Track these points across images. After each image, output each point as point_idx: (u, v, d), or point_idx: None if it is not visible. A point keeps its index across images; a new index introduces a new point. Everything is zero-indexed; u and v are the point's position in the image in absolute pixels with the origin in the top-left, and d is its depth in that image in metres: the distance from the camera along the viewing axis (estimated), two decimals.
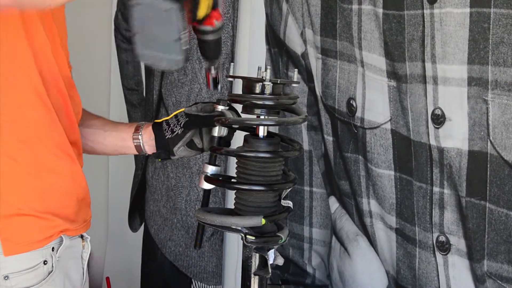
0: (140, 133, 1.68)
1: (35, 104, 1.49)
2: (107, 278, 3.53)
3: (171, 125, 1.63)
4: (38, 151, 1.49)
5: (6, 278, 1.51)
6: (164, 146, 1.64)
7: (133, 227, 3.34)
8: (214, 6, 1.40)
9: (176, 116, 1.64)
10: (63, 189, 1.57)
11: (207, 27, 1.44)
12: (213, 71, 1.56)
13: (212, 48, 1.50)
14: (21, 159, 1.48)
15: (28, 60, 1.47)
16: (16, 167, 1.47)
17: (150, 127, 1.67)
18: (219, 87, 1.57)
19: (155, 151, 1.66)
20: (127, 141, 1.70)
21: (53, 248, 1.56)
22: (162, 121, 1.66)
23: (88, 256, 1.70)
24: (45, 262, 1.54)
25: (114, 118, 3.41)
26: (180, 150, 1.63)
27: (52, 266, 1.56)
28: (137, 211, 3.29)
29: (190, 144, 1.62)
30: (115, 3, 3.42)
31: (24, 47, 1.46)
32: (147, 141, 1.68)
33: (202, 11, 1.36)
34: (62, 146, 1.56)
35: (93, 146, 1.73)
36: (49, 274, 1.55)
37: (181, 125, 1.62)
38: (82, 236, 1.68)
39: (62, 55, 1.59)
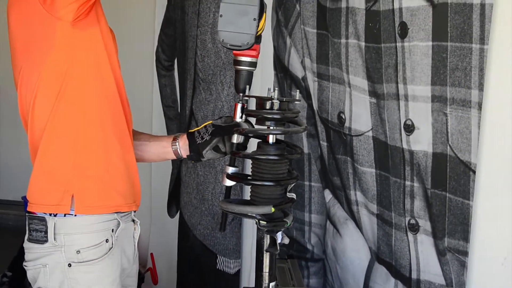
0: (177, 141, 1.70)
1: (112, 102, 1.59)
2: (151, 254, 3.53)
3: (201, 133, 1.65)
4: (107, 137, 1.57)
5: (78, 252, 1.54)
6: (196, 150, 1.65)
7: (171, 214, 3.34)
8: (259, 39, 1.40)
9: (205, 126, 1.66)
10: (121, 172, 1.61)
11: (242, 58, 1.45)
12: (240, 104, 1.54)
13: (243, 80, 1.49)
14: (102, 141, 1.57)
15: (108, 73, 1.58)
16: (95, 149, 1.56)
17: (185, 136, 1.69)
18: (243, 117, 1.54)
19: (188, 154, 1.69)
20: (167, 148, 1.72)
21: (112, 229, 1.59)
22: (195, 130, 1.68)
23: (138, 236, 1.73)
24: (107, 241, 1.58)
25: (156, 129, 3.46)
26: (208, 153, 1.65)
27: (112, 244, 1.59)
28: (174, 202, 3.30)
29: (216, 149, 1.64)
30: (156, 39, 3.44)
31: (106, 62, 1.57)
32: (183, 146, 1.69)
33: (260, 25, 1.37)
34: (124, 138, 1.62)
35: (141, 154, 1.75)
36: (109, 249, 1.59)
37: (209, 133, 1.63)
38: (133, 221, 1.71)
39: (121, 82, 1.63)
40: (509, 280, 1.37)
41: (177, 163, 3.20)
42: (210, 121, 1.67)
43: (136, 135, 1.78)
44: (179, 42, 3.15)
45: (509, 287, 1.37)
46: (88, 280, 1.57)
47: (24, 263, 1.60)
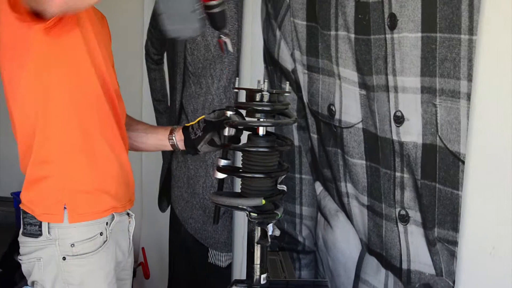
0: (173, 135, 1.72)
1: (96, 107, 1.56)
2: (143, 249, 3.53)
3: (195, 129, 1.67)
4: (95, 142, 1.54)
5: (72, 245, 1.55)
6: (190, 145, 1.68)
7: (162, 208, 3.34)
8: None
9: (198, 122, 1.68)
10: (114, 174, 1.61)
11: (212, 2, 1.43)
12: (224, 38, 1.55)
13: (219, 19, 1.48)
14: (89, 148, 1.54)
15: (91, 76, 1.53)
16: (83, 155, 1.54)
17: (181, 130, 1.71)
18: (230, 49, 1.57)
19: (184, 149, 1.71)
20: (164, 141, 1.74)
21: (107, 223, 1.60)
22: (189, 125, 1.69)
23: (133, 229, 1.74)
24: (101, 234, 1.58)
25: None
26: (203, 147, 1.66)
27: (106, 237, 1.60)
28: (165, 196, 3.30)
29: (211, 142, 1.65)
30: (145, 33, 3.43)
31: (89, 66, 1.52)
32: (179, 140, 1.72)
33: None
34: (113, 140, 1.60)
35: (137, 145, 1.78)
36: (104, 243, 1.59)
37: (201, 129, 1.65)
38: (128, 214, 1.71)
39: (112, 73, 1.63)
40: (497, 269, 1.38)
41: (168, 157, 3.20)
42: (203, 116, 1.68)
43: (133, 125, 1.79)
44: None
45: (497, 276, 1.39)
46: (83, 273, 1.57)
47: (19, 257, 1.60)
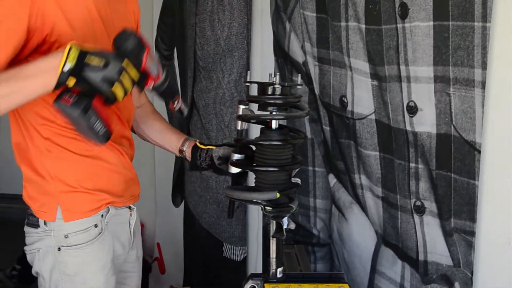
0: (184, 151, 1.74)
1: None
2: (158, 244, 3.55)
3: (202, 158, 1.69)
4: (90, 144, 1.49)
5: (66, 236, 1.55)
6: (195, 168, 1.71)
7: (176, 203, 3.34)
8: (140, 82, 1.36)
9: (207, 151, 1.69)
10: (111, 172, 1.60)
11: (157, 84, 1.41)
12: (175, 105, 1.53)
13: (164, 94, 1.46)
14: (77, 150, 1.52)
15: None
16: (72, 156, 1.52)
17: (191, 150, 1.73)
18: (185, 113, 1.58)
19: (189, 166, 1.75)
20: (175, 150, 1.77)
21: (102, 215, 1.59)
22: (199, 148, 1.71)
23: (134, 222, 1.73)
24: (95, 226, 1.58)
25: None
26: (205, 172, 1.71)
27: (102, 229, 1.59)
28: (178, 191, 3.29)
29: (215, 171, 1.68)
30: (155, 29, 3.43)
31: None
32: (188, 157, 1.74)
33: (120, 95, 1.33)
34: (112, 141, 1.59)
35: (147, 139, 1.82)
36: (99, 234, 1.59)
37: (206, 164, 1.68)
38: (129, 207, 1.71)
39: None
40: None
41: None
42: (215, 147, 1.69)
43: (151, 119, 1.82)
44: (178, 31, 3.13)
45: None
46: (78, 264, 1.58)
47: (25, 247, 1.62)
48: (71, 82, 1.29)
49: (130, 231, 1.73)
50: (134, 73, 1.33)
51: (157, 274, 3.51)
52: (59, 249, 1.56)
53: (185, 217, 3.23)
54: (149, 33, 3.45)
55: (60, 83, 1.30)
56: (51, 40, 1.43)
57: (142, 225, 3.75)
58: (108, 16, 1.56)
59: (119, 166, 1.62)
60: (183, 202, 3.24)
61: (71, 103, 1.30)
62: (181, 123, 3.08)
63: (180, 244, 3.30)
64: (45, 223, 1.55)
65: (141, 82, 1.37)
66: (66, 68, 1.28)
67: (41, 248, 1.57)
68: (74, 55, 1.28)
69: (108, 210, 1.61)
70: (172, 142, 1.77)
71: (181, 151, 1.75)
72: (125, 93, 1.34)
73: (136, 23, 1.77)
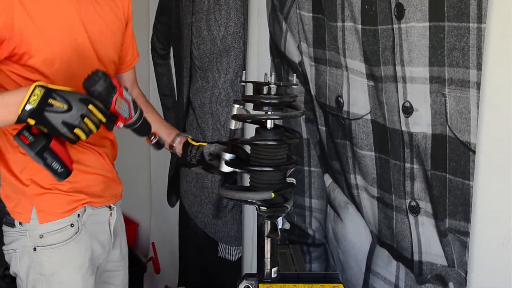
0: (175, 146, 1.73)
1: None
2: (153, 244, 3.54)
3: (192, 154, 1.68)
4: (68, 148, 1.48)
5: (41, 236, 1.55)
6: (184, 164, 1.70)
7: (171, 203, 3.34)
8: (108, 123, 1.37)
9: (198, 147, 1.68)
10: (89, 175, 1.59)
11: (130, 122, 1.43)
12: (152, 139, 1.56)
13: (138, 131, 1.48)
14: None
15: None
16: None
17: (182, 146, 1.72)
18: (162, 145, 1.61)
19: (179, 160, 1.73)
20: (165, 146, 1.74)
21: (78, 214, 1.59)
22: (190, 144, 1.70)
23: (115, 221, 1.73)
24: (71, 225, 1.58)
25: None
26: (195, 169, 1.69)
27: (78, 228, 1.59)
28: (174, 191, 3.29)
29: (205, 168, 1.67)
30: (151, 28, 3.43)
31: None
32: (178, 153, 1.73)
33: (82, 137, 1.34)
34: (93, 143, 1.59)
35: None
36: (75, 234, 1.59)
37: (196, 160, 1.66)
38: (109, 207, 1.71)
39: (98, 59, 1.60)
40: (510, 259, 1.37)
41: None
42: (206, 144, 1.68)
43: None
44: (174, 30, 3.13)
45: (510, 266, 1.37)
46: (53, 264, 1.57)
47: (3, 247, 1.62)
48: (31, 122, 1.30)
49: (110, 231, 1.72)
50: (100, 116, 1.34)
51: (152, 274, 3.51)
52: (34, 249, 1.55)
53: (180, 217, 3.23)
54: (145, 32, 3.46)
55: (20, 121, 1.31)
56: (20, 52, 1.43)
57: (137, 225, 3.77)
58: (91, 17, 1.55)
59: (98, 168, 1.62)
60: (178, 202, 3.24)
61: (28, 143, 1.32)
62: (177, 123, 3.08)
63: (175, 244, 3.29)
64: (20, 223, 1.55)
65: (109, 122, 1.38)
66: (27, 108, 1.28)
67: (18, 248, 1.57)
68: (37, 96, 1.28)
69: (85, 210, 1.61)
70: (163, 136, 1.75)
71: (171, 147, 1.73)
72: (88, 134, 1.34)
73: (126, 18, 1.74)
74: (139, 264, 3.36)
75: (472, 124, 1.41)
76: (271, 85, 1.41)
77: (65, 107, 1.29)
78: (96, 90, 1.33)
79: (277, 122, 1.50)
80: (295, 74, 1.55)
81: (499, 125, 1.37)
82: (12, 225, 1.57)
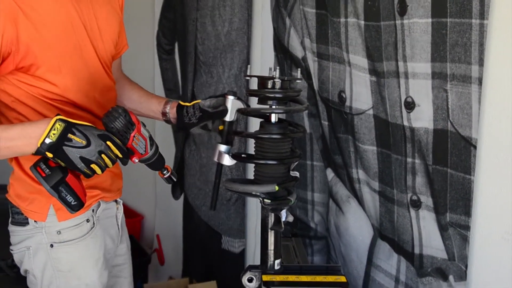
0: (167, 111, 1.68)
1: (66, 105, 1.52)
2: (157, 236, 3.55)
3: (189, 114, 1.63)
4: None
5: (59, 232, 1.54)
6: (182, 127, 1.65)
7: (175, 196, 3.35)
8: (123, 158, 1.38)
9: (193, 106, 1.63)
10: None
11: (145, 157, 1.44)
12: (164, 173, 1.55)
13: (152, 166, 1.49)
14: None
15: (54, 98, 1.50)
16: None
17: (175, 109, 1.67)
18: (174, 180, 1.57)
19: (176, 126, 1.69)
20: (157, 114, 1.71)
21: (93, 209, 1.59)
22: (184, 106, 1.65)
23: (121, 216, 1.73)
24: (87, 220, 1.57)
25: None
26: (194, 129, 1.63)
27: (93, 223, 1.59)
28: (178, 184, 3.30)
29: (203, 126, 1.63)
30: (156, 23, 3.42)
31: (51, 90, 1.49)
32: (173, 119, 1.69)
33: (98, 172, 1.35)
34: None
35: (132, 110, 1.73)
36: (91, 229, 1.58)
37: (196, 117, 1.61)
38: (116, 201, 1.71)
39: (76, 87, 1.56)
40: (510, 253, 1.37)
41: (180, 145, 3.20)
42: (199, 101, 1.64)
43: (126, 91, 1.76)
44: (179, 26, 3.13)
45: (511, 260, 1.37)
46: (71, 260, 1.56)
47: (10, 247, 1.60)
48: (49, 155, 1.31)
49: (118, 225, 1.72)
50: (117, 152, 1.35)
51: (156, 265, 3.52)
52: (51, 245, 1.53)
53: (184, 210, 3.24)
54: (150, 27, 3.46)
55: (39, 153, 1.31)
56: (27, 64, 1.42)
57: (142, 217, 3.77)
58: (90, 16, 1.53)
59: None
60: (182, 195, 3.24)
61: (45, 176, 1.32)
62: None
63: (179, 236, 3.30)
64: (35, 220, 1.53)
65: (124, 158, 1.39)
66: (47, 142, 1.29)
67: (31, 246, 1.55)
68: (57, 130, 1.29)
69: (99, 205, 1.61)
70: (153, 106, 1.72)
71: (164, 114, 1.69)
72: (104, 169, 1.35)
73: (120, 8, 1.71)
74: (144, 255, 3.37)
75: (473, 119, 1.41)
76: (275, 80, 1.41)
77: (84, 142, 1.31)
78: (115, 126, 1.35)
79: (281, 116, 1.49)
80: (299, 69, 1.55)
81: (501, 120, 1.37)
82: (23, 224, 1.54)
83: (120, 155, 1.36)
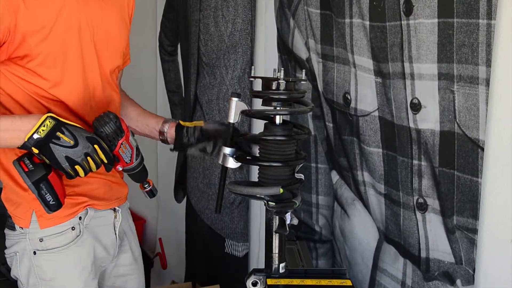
0: (165, 131, 1.68)
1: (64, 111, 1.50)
2: (160, 239, 3.55)
3: (189, 134, 1.62)
4: None
5: (41, 240, 1.51)
6: (180, 147, 1.65)
7: (178, 199, 3.34)
8: (108, 164, 1.39)
9: (195, 128, 1.62)
10: (90, 178, 1.53)
11: (129, 167, 1.46)
12: (145, 186, 1.56)
13: (134, 177, 1.50)
14: None
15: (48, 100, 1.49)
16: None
17: (173, 130, 1.65)
18: (154, 195, 1.60)
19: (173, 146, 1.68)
20: (154, 133, 1.70)
21: (80, 217, 1.55)
22: (184, 126, 1.64)
23: (120, 224, 1.69)
24: (73, 228, 1.54)
25: (160, 114, 3.44)
26: (191, 151, 1.63)
27: (80, 231, 1.55)
28: (181, 187, 3.29)
29: (201, 149, 1.62)
30: (158, 24, 3.43)
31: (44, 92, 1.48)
32: (170, 138, 1.68)
33: (81, 174, 1.36)
34: None
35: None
36: (77, 237, 1.55)
37: (196, 138, 1.61)
38: (114, 209, 1.67)
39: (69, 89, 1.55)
40: None
41: None
42: (202, 122, 1.64)
43: (124, 108, 1.74)
44: (182, 27, 3.13)
45: None
46: (54, 268, 1.54)
47: (5, 251, 1.59)
48: (35, 150, 1.31)
49: (115, 233, 1.68)
50: (102, 157, 1.36)
51: (159, 269, 3.51)
52: (34, 252, 1.52)
53: (187, 213, 3.23)
54: (152, 29, 3.46)
55: (25, 147, 1.32)
56: (21, 54, 1.41)
57: (144, 221, 3.77)
58: (99, 24, 1.52)
59: (99, 172, 1.52)
60: (185, 198, 3.24)
61: (27, 170, 1.33)
62: (184, 119, 3.08)
63: (182, 240, 3.30)
64: (20, 227, 1.52)
65: (109, 164, 1.40)
66: (34, 137, 1.30)
67: (18, 252, 1.54)
68: (47, 127, 1.30)
69: (87, 212, 1.57)
70: (151, 124, 1.70)
71: (161, 133, 1.67)
72: (87, 172, 1.36)
73: (130, 18, 1.71)
74: (146, 259, 3.36)
75: (480, 121, 1.40)
76: (280, 81, 1.40)
77: (72, 142, 1.32)
78: (104, 131, 1.37)
79: (285, 117, 1.49)
80: (303, 70, 1.55)
81: (508, 122, 1.36)
82: (13, 228, 1.54)
83: (105, 160, 1.37)
